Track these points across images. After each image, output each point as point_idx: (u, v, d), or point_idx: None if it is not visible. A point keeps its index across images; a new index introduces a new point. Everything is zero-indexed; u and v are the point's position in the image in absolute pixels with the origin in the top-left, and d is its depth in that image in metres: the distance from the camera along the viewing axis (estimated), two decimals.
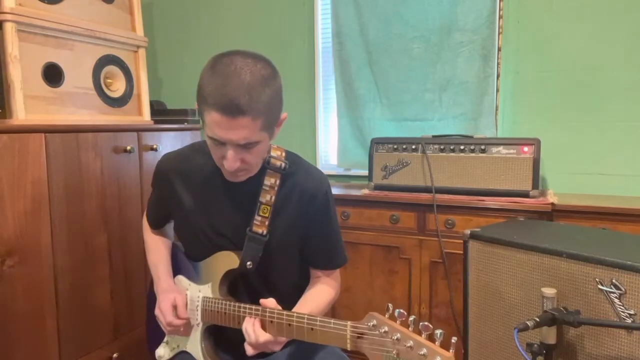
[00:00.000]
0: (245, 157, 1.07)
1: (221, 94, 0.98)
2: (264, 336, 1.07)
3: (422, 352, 0.85)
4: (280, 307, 1.09)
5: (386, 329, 0.91)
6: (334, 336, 1.00)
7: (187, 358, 1.25)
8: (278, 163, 1.19)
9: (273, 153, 1.21)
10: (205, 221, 1.23)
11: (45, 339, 1.60)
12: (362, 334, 0.95)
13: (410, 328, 0.90)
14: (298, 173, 1.22)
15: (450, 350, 0.84)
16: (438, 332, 0.87)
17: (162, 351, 1.31)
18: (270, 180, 1.18)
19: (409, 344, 0.87)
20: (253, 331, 1.08)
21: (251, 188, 1.18)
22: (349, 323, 0.98)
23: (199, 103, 1.03)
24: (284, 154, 1.23)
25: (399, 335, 0.89)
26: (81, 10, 1.86)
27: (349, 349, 0.98)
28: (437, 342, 0.86)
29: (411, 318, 0.91)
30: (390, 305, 0.94)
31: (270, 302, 1.10)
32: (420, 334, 0.88)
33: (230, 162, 1.05)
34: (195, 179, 1.24)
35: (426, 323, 0.88)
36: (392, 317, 0.93)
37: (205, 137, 1.09)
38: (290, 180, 1.21)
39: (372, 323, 0.94)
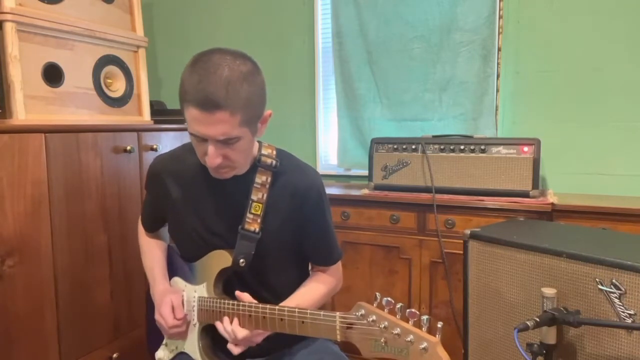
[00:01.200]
0: (227, 153, 1.07)
1: (198, 90, 0.99)
2: (241, 332, 1.10)
3: (408, 339, 0.88)
4: (254, 301, 1.12)
5: (374, 317, 0.93)
6: (324, 328, 1.01)
7: (186, 359, 1.25)
8: (269, 161, 1.19)
9: (264, 151, 1.21)
10: (198, 221, 1.23)
11: (45, 339, 1.60)
12: (351, 324, 0.97)
13: (397, 315, 0.92)
14: (290, 170, 1.22)
15: (437, 335, 0.87)
16: (424, 317, 0.89)
17: (161, 353, 1.31)
18: (261, 178, 1.19)
19: (396, 331, 0.89)
20: (232, 330, 1.10)
21: (242, 186, 1.19)
22: (337, 314, 0.99)
23: (180, 101, 1.05)
24: (274, 152, 1.23)
25: (386, 323, 0.91)
26: (81, 10, 1.85)
27: (339, 340, 1.00)
28: (423, 328, 0.89)
29: (398, 305, 0.92)
30: (378, 294, 0.96)
31: (245, 297, 1.13)
32: (407, 320, 0.90)
33: (211, 158, 1.05)
34: (187, 179, 1.24)
35: (413, 310, 0.90)
36: (380, 306, 0.94)
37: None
38: (282, 178, 1.21)
39: (360, 313, 0.95)
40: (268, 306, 1.09)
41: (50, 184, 1.60)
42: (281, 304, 1.14)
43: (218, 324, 1.15)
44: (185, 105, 1.03)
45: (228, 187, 1.19)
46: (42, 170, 1.58)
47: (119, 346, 1.87)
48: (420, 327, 0.89)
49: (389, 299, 0.93)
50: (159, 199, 1.31)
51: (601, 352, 1.22)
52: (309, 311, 1.04)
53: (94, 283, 1.78)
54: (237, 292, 1.14)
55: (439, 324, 0.89)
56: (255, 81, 1.04)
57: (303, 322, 1.04)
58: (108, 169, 1.82)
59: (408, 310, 0.90)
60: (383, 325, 0.91)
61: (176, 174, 1.26)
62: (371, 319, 0.93)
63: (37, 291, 1.57)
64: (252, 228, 1.18)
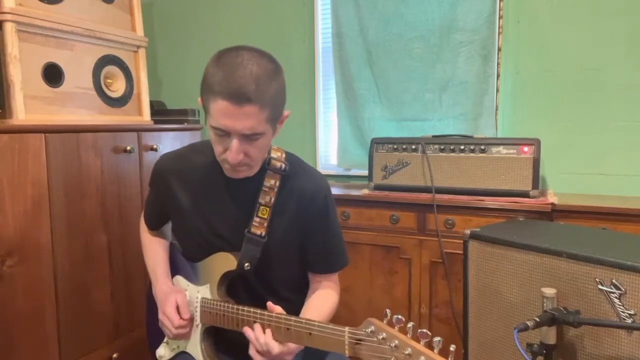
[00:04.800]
0: (249, 150, 1.05)
1: (228, 82, 0.98)
2: (277, 348, 1.04)
3: None
4: (284, 313, 1.08)
5: (384, 335, 0.90)
6: (331, 342, 0.99)
7: (187, 359, 1.24)
8: (278, 164, 1.18)
9: (273, 154, 1.20)
10: (203, 222, 1.22)
11: (45, 338, 1.60)
12: (360, 340, 0.94)
13: (408, 334, 0.89)
14: (298, 175, 1.21)
15: (450, 359, 0.84)
16: (436, 339, 0.86)
17: (162, 351, 1.31)
18: (270, 182, 1.18)
19: (407, 352, 0.87)
20: (265, 343, 1.05)
21: (251, 189, 1.18)
22: (347, 329, 0.97)
23: (204, 93, 1.03)
24: (284, 155, 1.22)
25: (397, 342, 0.88)
26: (81, 10, 1.86)
27: (347, 355, 0.98)
28: (435, 350, 0.86)
29: (410, 325, 0.90)
30: (388, 310, 0.93)
31: (277, 308, 1.09)
32: (418, 340, 0.87)
33: (233, 154, 1.03)
34: (193, 180, 1.23)
35: (425, 330, 0.87)
36: (390, 323, 0.92)
37: (208, 133, 1.08)
38: (291, 182, 1.20)
39: (370, 329, 0.92)
40: (274, 314, 1.07)
41: (50, 184, 1.60)
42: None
43: (247, 330, 1.08)
44: (211, 98, 1.00)
45: (235, 190, 1.18)
46: (42, 170, 1.58)
47: (119, 346, 1.88)
48: (431, 348, 0.86)
49: (400, 316, 0.90)
50: (163, 197, 1.29)
51: (601, 352, 1.22)
52: (316, 322, 1.02)
53: (94, 283, 1.78)
54: (269, 304, 1.09)
55: (452, 347, 0.85)
56: (279, 80, 1.05)
57: (310, 333, 1.02)
58: (108, 169, 1.82)
59: (419, 330, 0.87)
60: (394, 344, 0.88)
61: (182, 174, 1.24)
62: (381, 336, 0.90)
63: (37, 291, 1.57)
64: (258, 232, 1.17)
